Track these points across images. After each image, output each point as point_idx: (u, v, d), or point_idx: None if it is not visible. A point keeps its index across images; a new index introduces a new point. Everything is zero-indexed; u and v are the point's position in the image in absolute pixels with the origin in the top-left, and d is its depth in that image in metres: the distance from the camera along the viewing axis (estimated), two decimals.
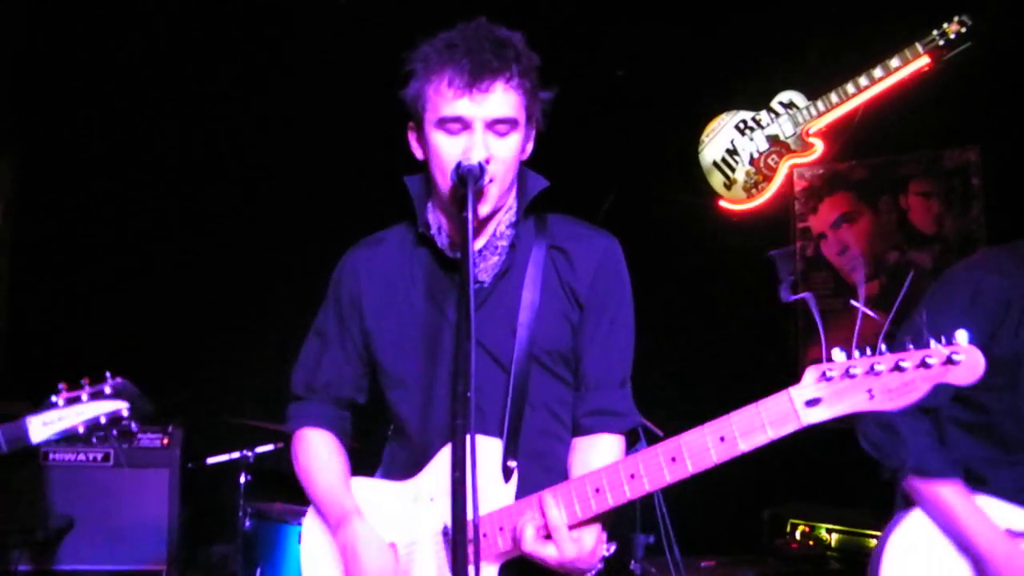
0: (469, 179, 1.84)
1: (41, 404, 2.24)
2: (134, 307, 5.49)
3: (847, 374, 1.65)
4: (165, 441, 4.66)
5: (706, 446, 1.73)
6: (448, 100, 1.93)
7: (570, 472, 2.08)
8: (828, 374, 1.66)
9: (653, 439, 3.85)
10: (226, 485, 4.47)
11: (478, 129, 1.94)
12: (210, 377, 5.37)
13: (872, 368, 1.64)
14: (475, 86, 1.91)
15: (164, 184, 5.72)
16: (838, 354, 1.67)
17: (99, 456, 4.64)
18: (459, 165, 1.90)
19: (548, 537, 1.84)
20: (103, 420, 2.22)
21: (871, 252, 5.29)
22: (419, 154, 2.11)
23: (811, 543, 4.29)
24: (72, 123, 5.62)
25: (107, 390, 2.23)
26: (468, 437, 1.64)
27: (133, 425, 2.27)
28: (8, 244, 5.65)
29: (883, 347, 1.66)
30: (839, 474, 4.18)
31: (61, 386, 2.23)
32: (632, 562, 3.88)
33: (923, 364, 1.62)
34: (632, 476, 1.80)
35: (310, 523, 2.23)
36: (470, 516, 1.85)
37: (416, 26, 2.08)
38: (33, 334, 5.47)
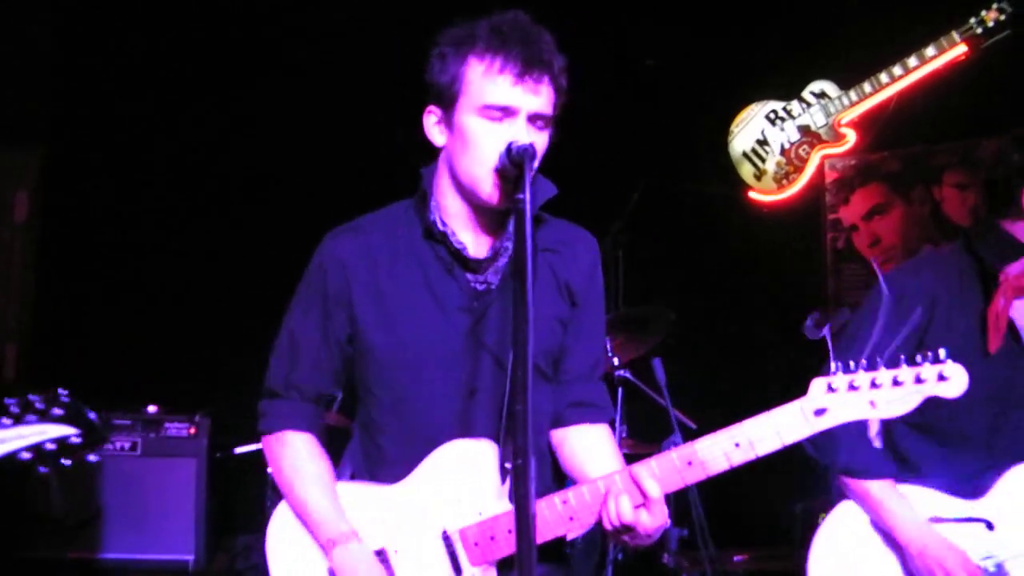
0: (525, 158, 1.80)
1: None
2: (161, 296, 5.50)
3: (851, 387, 1.87)
4: (192, 430, 4.65)
5: (723, 451, 1.89)
6: (498, 86, 1.90)
7: (573, 460, 2.12)
8: (833, 386, 1.87)
9: (686, 431, 3.82)
10: (253, 475, 4.46)
11: (522, 118, 1.91)
12: (239, 366, 5.36)
13: (873, 382, 1.87)
14: (528, 75, 1.89)
15: (194, 174, 5.71)
16: (840, 370, 1.88)
17: (127, 445, 4.64)
18: (511, 145, 1.86)
19: (642, 505, 1.89)
20: (51, 446, 1.90)
21: (903, 244, 5.22)
22: (439, 140, 2.05)
23: None
24: (101, 115, 5.62)
25: (57, 411, 1.90)
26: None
27: (89, 456, 1.95)
28: (35, 234, 5.67)
29: (878, 361, 1.89)
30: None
31: (13, 406, 1.89)
32: (664, 555, 3.85)
33: (918, 380, 1.88)
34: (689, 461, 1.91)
35: (282, 523, 2.11)
36: (479, 513, 1.97)
37: (423, 17, 2.05)
38: (60, 323, 5.49)
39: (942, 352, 1.89)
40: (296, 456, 2.12)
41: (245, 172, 5.70)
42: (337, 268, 2.10)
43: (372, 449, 2.14)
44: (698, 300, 5.18)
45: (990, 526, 2.37)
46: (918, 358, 1.88)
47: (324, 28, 5.56)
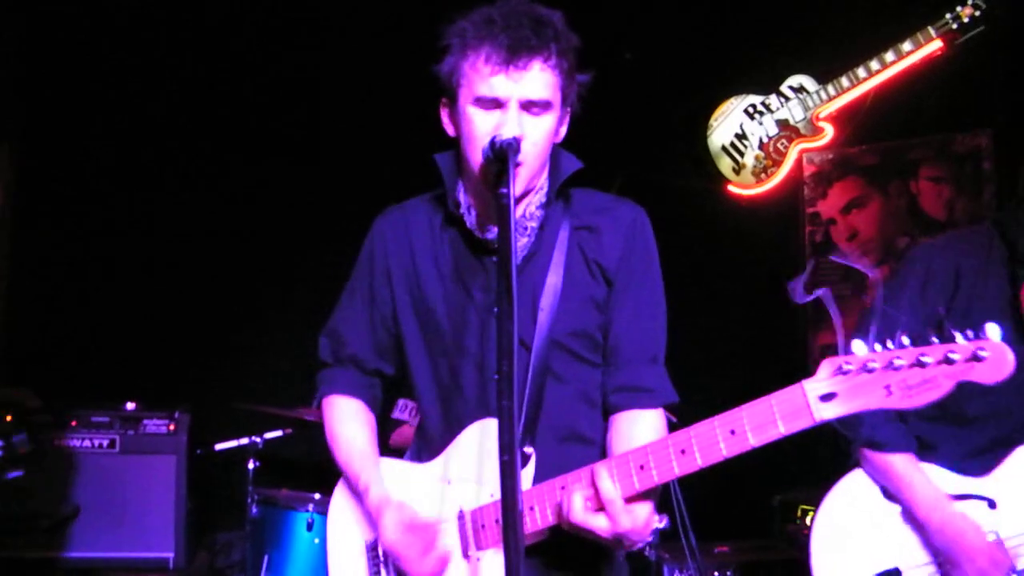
0: (509, 152, 1.81)
1: None
2: (140, 292, 5.45)
3: (865, 368, 1.57)
4: (171, 427, 4.62)
5: (716, 439, 1.69)
6: (484, 77, 1.90)
7: (611, 450, 2.04)
8: (845, 367, 1.58)
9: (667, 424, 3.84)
10: (234, 472, 4.44)
11: (512, 107, 1.91)
12: (218, 362, 5.33)
13: (891, 363, 1.55)
14: (512, 63, 1.88)
15: (172, 167, 5.66)
16: (858, 346, 1.59)
17: (105, 443, 4.60)
18: (493, 140, 1.86)
19: (599, 509, 1.78)
20: None
21: (881, 237, 5.27)
22: (451, 131, 2.07)
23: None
24: (72, 108, 5.56)
25: None
26: (507, 419, 1.61)
27: (10, 474, 1.85)
28: (8, 228, 5.60)
29: (904, 340, 1.57)
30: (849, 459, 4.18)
31: None
32: (646, 547, 3.86)
33: (946, 360, 1.53)
34: (642, 468, 1.77)
35: (339, 496, 2.23)
36: (491, 495, 1.93)
37: (438, 4, 2.05)
38: (36, 319, 5.42)
39: (992, 328, 1.52)
40: (336, 419, 2.24)
41: (221, 166, 5.66)
42: (382, 244, 2.21)
43: (419, 428, 2.23)
44: (676, 293, 5.18)
45: (992, 504, 2.38)
46: (952, 333, 1.55)
47: (305, 16, 5.53)
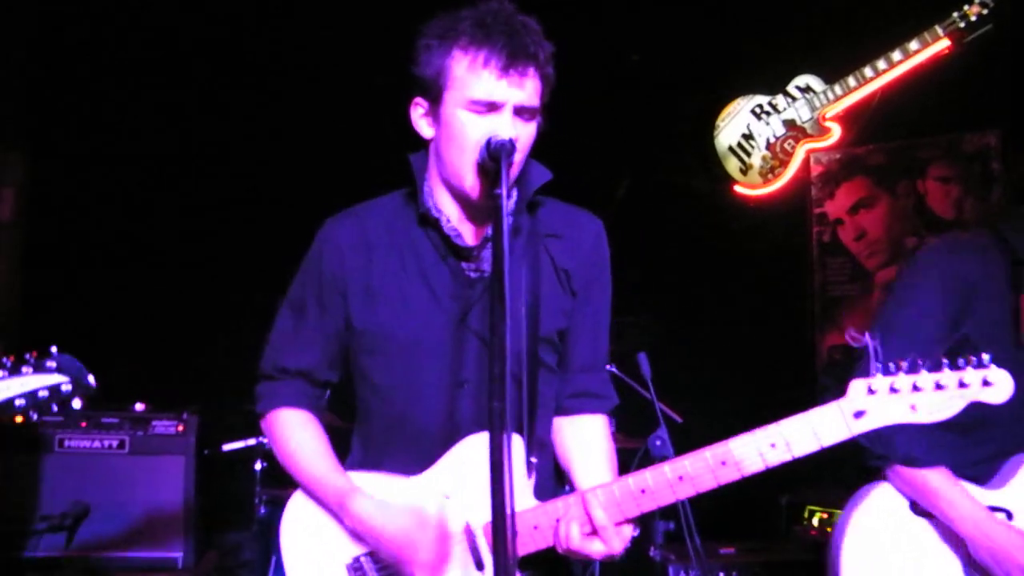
0: (503, 154, 1.81)
1: None
2: (149, 293, 5.48)
3: (892, 389, 1.85)
4: (180, 428, 4.62)
5: (759, 451, 1.87)
6: (482, 81, 1.89)
7: (566, 453, 2.11)
8: (873, 388, 1.85)
9: (671, 424, 3.84)
10: (242, 472, 4.46)
11: (507, 111, 1.90)
12: (227, 364, 5.34)
13: (915, 386, 1.85)
14: (512, 68, 1.88)
15: (179, 170, 5.69)
16: (879, 380, 1.84)
17: (114, 443, 4.62)
18: (490, 141, 1.86)
19: (592, 534, 1.87)
20: (44, 393, 2.18)
21: (888, 237, 5.25)
22: (427, 132, 2.04)
23: (829, 530, 4.27)
24: (85, 111, 5.59)
25: (50, 364, 2.18)
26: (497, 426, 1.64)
27: (75, 402, 2.22)
28: (21, 230, 5.64)
29: (922, 371, 1.85)
30: (856, 460, 4.16)
31: (6, 359, 2.18)
32: (651, 548, 3.86)
33: (962, 384, 1.85)
34: (680, 479, 1.88)
35: (296, 517, 2.09)
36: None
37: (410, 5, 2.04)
38: (47, 321, 5.46)
39: (986, 357, 1.86)
40: (289, 430, 2.13)
41: (233, 169, 5.68)
42: (333, 252, 2.10)
43: (366, 437, 2.14)
44: (683, 294, 5.19)
45: (1010, 516, 2.34)
46: (960, 361, 1.86)
47: (312, 18, 5.54)
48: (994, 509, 2.35)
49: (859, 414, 1.85)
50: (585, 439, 2.12)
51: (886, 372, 1.85)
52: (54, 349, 2.21)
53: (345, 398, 2.24)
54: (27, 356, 2.18)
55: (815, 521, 4.34)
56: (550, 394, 2.11)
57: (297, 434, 2.12)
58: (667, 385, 4.18)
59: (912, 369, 1.85)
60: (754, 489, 4.56)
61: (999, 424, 2.40)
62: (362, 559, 2.01)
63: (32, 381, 2.17)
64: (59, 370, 2.18)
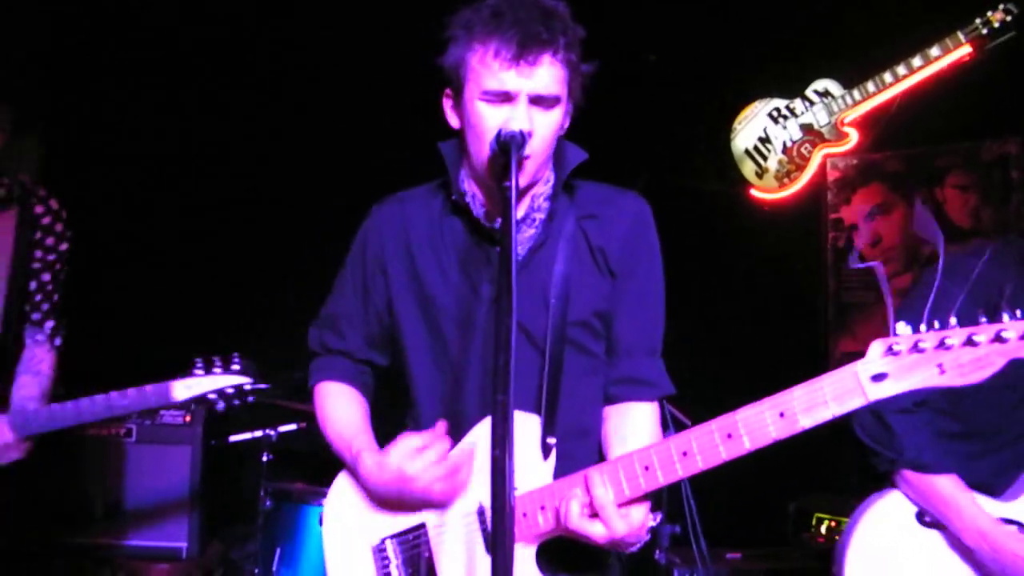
0: (512, 146, 1.79)
1: (185, 372, 2.70)
2: (159, 281, 5.49)
3: (916, 348, 1.58)
4: (187, 418, 4.63)
5: (765, 422, 1.67)
6: (494, 72, 1.88)
7: (605, 442, 2.05)
8: (895, 348, 1.59)
9: (681, 428, 3.81)
10: (248, 463, 4.45)
11: (522, 101, 1.89)
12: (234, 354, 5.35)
13: (943, 342, 1.56)
14: (523, 58, 1.86)
15: (179, 170, 5.69)
16: (903, 328, 1.60)
17: (121, 432, 4.63)
18: (500, 133, 1.85)
19: (595, 515, 1.78)
20: (231, 390, 2.63)
21: (904, 244, 5.20)
22: (454, 123, 2.07)
23: (837, 538, 4.23)
24: (99, 96, 5.61)
25: (235, 367, 2.64)
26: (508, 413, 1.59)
27: (250, 398, 2.66)
28: None
29: (953, 320, 1.58)
30: (864, 467, 4.13)
31: (198, 361, 2.68)
32: (657, 552, 3.84)
33: (998, 338, 1.54)
34: (684, 454, 1.74)
35: (336, 498, 2.16)
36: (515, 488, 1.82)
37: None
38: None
39: None
40: (325, 399, 2.23)
41: (233, 169, 5.69)
42: (376, 235, 2.19)
43: (411, 421, 2.17)
44: (698, 297, 5.15)
45: (1022, 528, 2.29)
46: (996, 315, 1.57)
47: (312, 18, 5.54)
48: (1006, 522, 2.30)
49: (878, 377, 1.60)
50: (624, 428, 2.03)
51: (914, 329, 1.59)
52: (236, 355, 2.68)
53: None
54: (214, 359, 2.66)
55: (823, 529, 4.30)
56: (588, 379, 2.06)
57: (331, 402, 2.22)
58: (678, 388, 4.16)
59: (941, 324, 1.58)
60: (762, 495, 4.56)
61: (1015, 433, 2.39)
62: (387, 541, 2.05)
63: (221, 380, 2.64)
64: (242, 371, 2.64)
